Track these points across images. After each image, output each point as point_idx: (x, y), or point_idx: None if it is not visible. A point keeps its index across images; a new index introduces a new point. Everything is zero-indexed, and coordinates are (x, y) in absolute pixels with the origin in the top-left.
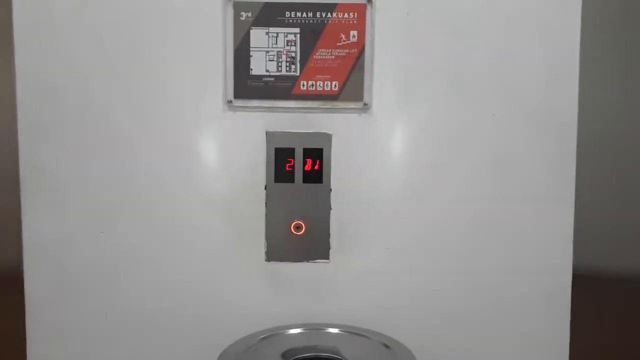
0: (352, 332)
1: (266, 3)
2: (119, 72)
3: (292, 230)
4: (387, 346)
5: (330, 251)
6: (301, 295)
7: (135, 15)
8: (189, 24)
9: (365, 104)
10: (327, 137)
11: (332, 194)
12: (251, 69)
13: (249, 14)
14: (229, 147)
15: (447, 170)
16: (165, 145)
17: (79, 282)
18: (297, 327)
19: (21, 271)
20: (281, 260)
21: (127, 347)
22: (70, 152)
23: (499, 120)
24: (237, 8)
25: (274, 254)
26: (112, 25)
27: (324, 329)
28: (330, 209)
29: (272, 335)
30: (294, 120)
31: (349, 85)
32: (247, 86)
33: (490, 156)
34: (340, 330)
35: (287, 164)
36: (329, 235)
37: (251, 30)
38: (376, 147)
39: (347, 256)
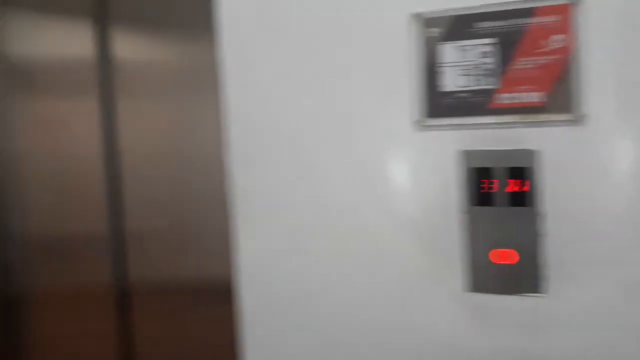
0: None
1: (456, 16)
2: (308, 99)
3: (494, 258)
4: None
5: (545, 284)
6: (507, 332)
7: (321, 39)
8: (374, 43)
9: (577, 115)
10: (533, 155)
11: (544, 218)
12: (441, 86)
13: (438, 29)
14: (419, 169)
15: None
16: (355, 168)
17: (282, 299)
18: None
19: (234, 286)
20: (482, 292)
21: None
22: (272, 177)
23: None
24: (425, 24)
25: (473, 284)
26: (299, 53)
27: None
28: (542, 235)
29: None
30: (492, 137)
31: (557, 95)
32: (436, 104)
33: None
34: None
35: (486, 186)
36: (539, 265)
37: (440, 46)
38: (594, 165)
39: (564, 290)
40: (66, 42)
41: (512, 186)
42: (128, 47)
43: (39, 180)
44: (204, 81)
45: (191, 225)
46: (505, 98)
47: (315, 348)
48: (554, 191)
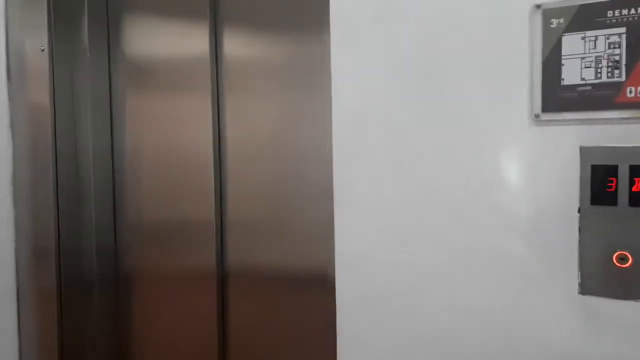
0: None
1: (582, 5)
2: (417, 90)
3: (615, 261)
4: None
5: None
6: (625, 339)
7: (436, 32)
8: (494, 35)
9: None
10: None
11: None
12: (562, 79)
13: (561, 20)
14: (536, 166)
15: None
16: (466, 163)
17: (380, 291)
18: None
19: (333, 276)
20: (599, 295)
21: None
22: (376, 171)
23: None
24: (547, 15)
25: (590, 287)
26: (412, 43)
27: None
28: None
29: None
30: (617, 133)
31: None
32: (557, 98)
33: None
34: None
35: (608, 184)
36: None
37: (563, 37)
38: None
39: None
40: (181, 41)
41: (638, 185)
42: (239, 45)
43: (152, 172)
44: (312, 77)
45: (295, 215)
46: (635, 92)
47: (411, 345)
48: None
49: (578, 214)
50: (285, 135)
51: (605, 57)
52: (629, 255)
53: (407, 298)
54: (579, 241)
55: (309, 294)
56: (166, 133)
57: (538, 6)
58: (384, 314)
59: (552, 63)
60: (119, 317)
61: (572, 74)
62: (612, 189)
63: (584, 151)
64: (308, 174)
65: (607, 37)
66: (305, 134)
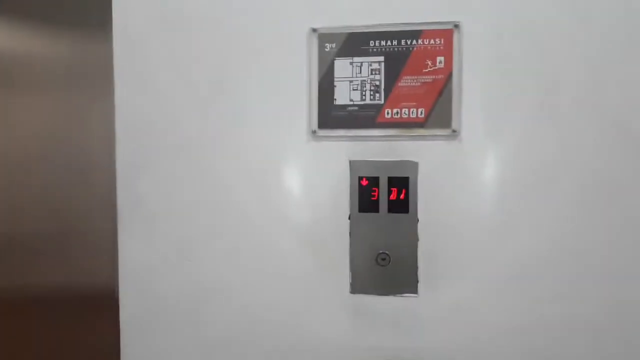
0: None
1: (350, 33)
2: (205, 105)
3: (378, 261)
4: None
5: (419, 285)
6: (387, 330)
7: (222, 51)
8: (274, 56)
9: (453, 131)
10: (413, 165)
11: (420, 224)
12: (335, 99)
13: (333, 45)
14: (312, 177)
15: (542, 199)
16: (251, 175)
17: (167, 306)
18: None
19: (117, 293)
20: (366, 293)
21: None
22: (161, 184)
23: (598, 146)
24: (322, 39)
25: (358, 286)
26: (199, 61)
27: None
28: (418, 240)
29: None
30: (379, 149)
31: (436, 112)
32: (331, 116)
33: (591, 185)
34: None
35: (372, 193)
36: (417, 268)
37: (335, 61)
38: (466, 175)
39: (436, 290)
40: None
41: (394, 194)
42: (13, 40)
43: None
44: (94, 80)
45: (75, 230)
46: (391, 113)
47: (202, 353)
48: (429, 200)
49: (349, 220)
50: (62, 141)
51: (369, 81)
52: (388, 256)
53: (194, 309)
54: (350, 245)
55: (90, 314)
56: None
57: (314, 30)
58: (170, 328)
59: (326, 84)
60: None
61: (342, 95)
62: (375, 198)
63: (353, 164)
64: (87, 184)
65: (370, 64)
66: (88, 141)
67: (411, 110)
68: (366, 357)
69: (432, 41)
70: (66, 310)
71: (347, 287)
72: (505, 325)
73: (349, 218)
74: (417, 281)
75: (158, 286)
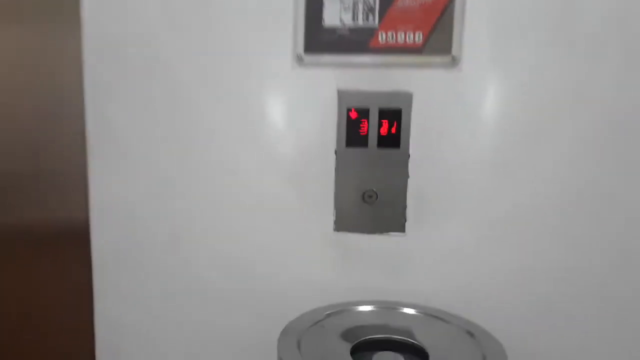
0: (429, 314)
1: None
2: (182, 25)
3: (364, 199)
4: (471, 334)
5: (407, 224)
6: (373, 270)
7: None
8: None
9: (453, 58)
10: (407, 97)
11: (411, 160)
12: (324, 20)
13: None
14: (297, 107)
15: (549, 137)
16: (230, 102)
17: (142, 242)
18: (367, 304)
19: (88, 228)
20: (351, 231)
21: (185, 313)
22: (135, 110)
23: (617, 85)
24: None
25: (343, 223)
26: None
27: (398, 309)
28: (408, 177)
29: (340, 311)
30: (371, 77)
31: (435, 36)
32: (318, 39)
33: (605, 122)
34: (417, 311)
35: (361, 127)
36: (406, 206)
37: None
38: (465, 109)
39: (425, 230)
40: None
41: (385, 128)
42: None
43: None
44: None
45: (47, 166)
46: (386, 37)
47: (182, 298)
48: (422, 134)
49: (335, 155)
50: (31, 73)
51: (362, 1)
52: (376, 193)
53: (173, 244)
54: (335, 181)
55: (62, 251)
56: None
57: None
58: (144, 265)
59: (314, 3)
60: None
61: (332, 15)
62: (365, 132)
63: (341, 94)
64: (55, 115)
65: None
66: (58, 70)
67: (407, 34)
68: (350, 297)
69: None
70: (39, 248)
71: (331, 225)
72: (501, 268)
73: (335, 153)
74: (405, 220)
75: (132, 223)
